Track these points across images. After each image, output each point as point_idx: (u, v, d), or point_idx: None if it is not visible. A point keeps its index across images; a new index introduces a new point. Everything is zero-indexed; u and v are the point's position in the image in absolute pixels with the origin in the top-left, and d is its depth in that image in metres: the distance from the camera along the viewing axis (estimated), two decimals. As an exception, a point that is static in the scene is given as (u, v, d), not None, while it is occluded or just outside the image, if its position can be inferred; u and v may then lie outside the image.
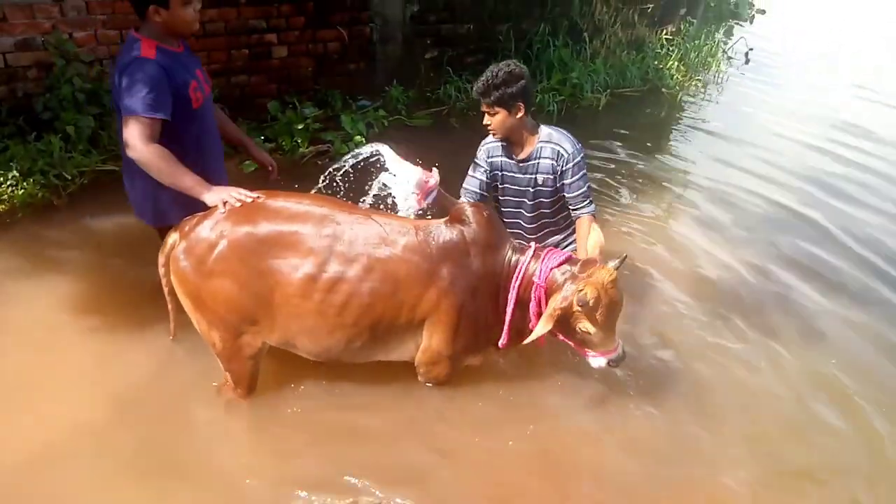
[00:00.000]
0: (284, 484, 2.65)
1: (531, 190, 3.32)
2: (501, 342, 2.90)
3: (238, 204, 2.66)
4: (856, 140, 7.04)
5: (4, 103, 4.70)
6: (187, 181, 2.70)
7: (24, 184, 4.26)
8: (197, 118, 2.95)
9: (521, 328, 2.89)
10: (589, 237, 2.95)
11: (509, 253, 2.86)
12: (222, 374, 2.93)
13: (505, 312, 2.86)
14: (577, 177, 3.20)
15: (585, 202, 3.23)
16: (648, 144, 6.47)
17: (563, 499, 2.72)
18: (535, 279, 2.77)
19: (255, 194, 2.72)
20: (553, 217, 3.44)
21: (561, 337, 2.86)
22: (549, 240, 3.48)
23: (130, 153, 2.71)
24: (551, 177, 3.25)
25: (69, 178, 4.40)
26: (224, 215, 2.66)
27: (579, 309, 2.64)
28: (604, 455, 2.93)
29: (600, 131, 6.62)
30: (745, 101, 8.09)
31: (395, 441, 2.89)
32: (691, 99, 8.08)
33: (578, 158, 3.20)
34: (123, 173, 3.08)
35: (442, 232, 2.78)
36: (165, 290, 2.84)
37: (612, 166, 5.83)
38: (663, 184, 5.63)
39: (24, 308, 3.43)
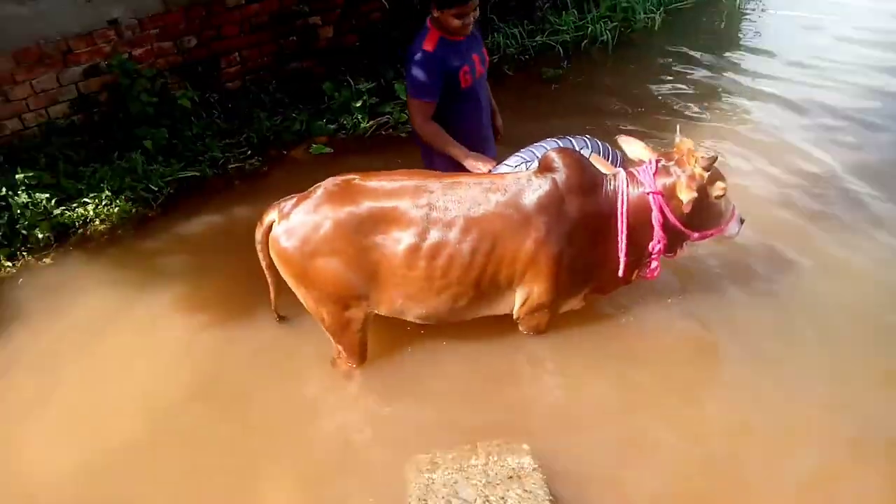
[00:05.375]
0: (406, 439, 2.80)
1: None
2: (621, 272, 2.92)
3: (485, 170, 3.16)
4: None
5: (85, 130, 4.96)
6: (451, 150, 3.33)
7: (118, 201, 4.52)
8: (465, 97, 3.44)
9: (639, 256, 2.95)
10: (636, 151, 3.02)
11: (606, 187, 2.88)
12: (333, 349, 3.07)
13: (613, 248, 2.88)
14: None
15: None
16: (709, 60, 6.18)
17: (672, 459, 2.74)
18: (647, 192, 2.79)
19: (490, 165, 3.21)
20: None
21: (696, 236, 2.92)
22: None
23: (413, 127, 3.44)
24: None
25: (156, 189, 4.63)
26: (323, 197, 2.78)
27: (708, 172, 2.74)
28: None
29: (658, 52, 6.38)
30: (811, 8, 7.49)
31: (507, 392, 2.99)
32: (752, 7, 7.58)
33: None
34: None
35: (533, 183, 2.81)
36: (264, 264, 2.99)
37: (675, 85, 5.65)
38: (726, 99, 5.43)
39: (135, 314, 3.63)
